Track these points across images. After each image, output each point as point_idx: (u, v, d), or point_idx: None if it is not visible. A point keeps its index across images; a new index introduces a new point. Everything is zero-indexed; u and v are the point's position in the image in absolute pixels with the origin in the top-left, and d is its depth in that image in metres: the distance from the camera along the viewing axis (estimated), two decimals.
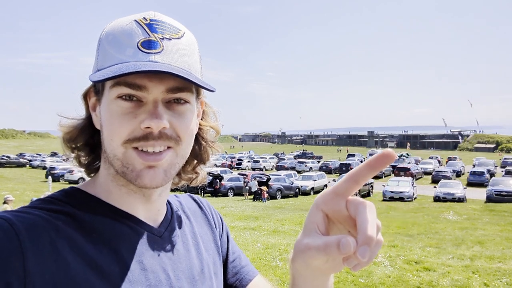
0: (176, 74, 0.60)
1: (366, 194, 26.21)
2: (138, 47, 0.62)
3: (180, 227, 0.77)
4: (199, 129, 0.78)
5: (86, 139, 0.72)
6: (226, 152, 70.11)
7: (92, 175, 0.74)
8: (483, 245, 9.98)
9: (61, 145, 0.72)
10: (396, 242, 10.17)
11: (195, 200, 0.90)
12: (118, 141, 0.63)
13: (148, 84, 0.62)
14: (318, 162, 49.59)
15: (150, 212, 0.72)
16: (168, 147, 0.65)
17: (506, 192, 22.47)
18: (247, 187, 24.40)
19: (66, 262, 0.57)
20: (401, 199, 23.15)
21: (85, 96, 0.71)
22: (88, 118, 0.71)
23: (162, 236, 0.72)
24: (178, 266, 0.71)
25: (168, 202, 0.80)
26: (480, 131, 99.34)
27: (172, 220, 0.76)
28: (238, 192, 25.78)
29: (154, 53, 0.62)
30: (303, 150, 75.58)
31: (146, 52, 0.62)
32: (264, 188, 23.68)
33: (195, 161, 0.80)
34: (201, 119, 0.78)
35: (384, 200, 23.53)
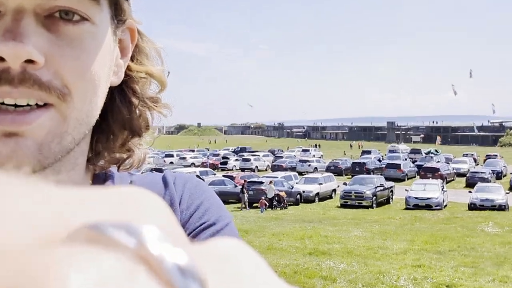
0: None
1: (384, 201, 26.35)
2: None
3: None
4: (128, 77, 0.61)
5: None
6: (207, 148, 70.25)
7: None
8: None
9: None
10: (423, 261, 10.24)
11: (163, 181, 0.68)
12: None
13: None
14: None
15: None
16: (46, 104, 0.48)
17: None
18: (246, 195, 24.32)
19: None
20: (428, 207, 23.30)
21: None
22: None
23: None
24: None
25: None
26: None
27: None
28: (223, 199, 25.65)
29: None
30: (316, 145, 76.20)
31: None
32: (282, 193, 23.62)
33: (126, 132, 0.63)
34: (131, 61, 0.62)
35: (407, 209, 23.68)
